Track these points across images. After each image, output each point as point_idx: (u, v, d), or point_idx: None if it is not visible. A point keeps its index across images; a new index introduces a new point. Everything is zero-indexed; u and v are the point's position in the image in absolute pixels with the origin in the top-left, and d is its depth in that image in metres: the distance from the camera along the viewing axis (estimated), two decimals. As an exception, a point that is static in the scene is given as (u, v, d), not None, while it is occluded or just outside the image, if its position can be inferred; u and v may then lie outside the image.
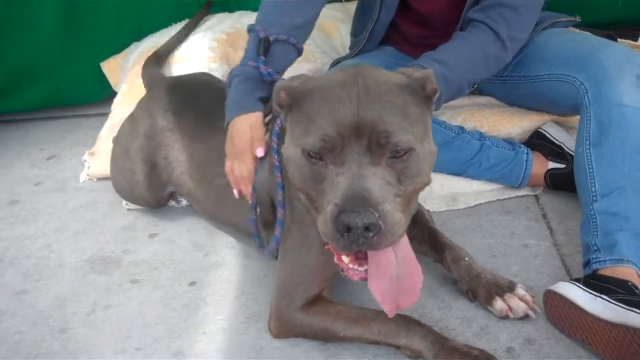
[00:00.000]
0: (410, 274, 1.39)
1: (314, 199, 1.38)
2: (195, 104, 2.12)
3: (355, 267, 1.39)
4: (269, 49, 1.90)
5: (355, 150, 1.32)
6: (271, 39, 1.90)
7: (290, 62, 2.01)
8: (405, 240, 1.40)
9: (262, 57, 1.86)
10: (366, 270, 1.38)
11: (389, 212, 1.28)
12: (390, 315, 1.38)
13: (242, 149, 1.79)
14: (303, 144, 1.37)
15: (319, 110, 1.38)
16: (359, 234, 1.25)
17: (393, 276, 1.37)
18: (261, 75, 1.85)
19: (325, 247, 1.44)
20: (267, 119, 1.82)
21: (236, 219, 1.97)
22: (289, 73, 1.86)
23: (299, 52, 2.01)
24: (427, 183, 1.45)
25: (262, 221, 1.83)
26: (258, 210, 1.81)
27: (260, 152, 1.77)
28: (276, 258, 1.78)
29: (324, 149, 1.33)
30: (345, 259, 1.40)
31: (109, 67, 3.09)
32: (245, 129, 1.80)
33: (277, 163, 1.68)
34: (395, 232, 1.30)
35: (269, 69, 1.85)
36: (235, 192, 1.85)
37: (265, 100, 1.85)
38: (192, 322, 1.79)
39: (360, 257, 1.39)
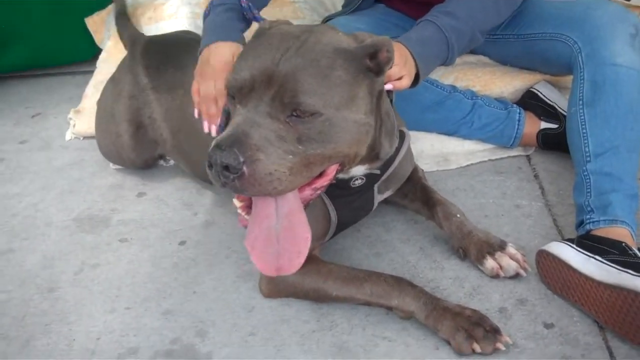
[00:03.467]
0: (292, 234, 1.38)
1: None
2: (176, 60, 2.07)
3: (244, 213, 1.41)
4: None
5: (258, 98, 1.32)
6: None
7: (265, 4, 2.00)
8: (292, 197, 1.37)
9: None
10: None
11: (260, 161, 1.26)
12: (267, 273, 1.40)
13: (219, 69, 1.71)
14: (227, 80, 1.39)
15: (250, 52, 1.39)
16: (218, 171, 1.26)
17: (270, 230, 1.37)
18: (242, 7, 1.80)
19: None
20: None
21: None
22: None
23: None
24: (347, 153, 1.40)
25: None
26: None
27: None
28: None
29: (234, 88, 1.35)
30: (236, 202, 1.42)
31: (94, 23, 3.02)
32: (226, 52, 1.73)
33: None
34: (266, 183, 1.27)
35: (249, 3, 1.80)
36: (195, 112, 1.78)
37: None
38: (182, 282, 1.77)
39: (249, 205, 1.40)
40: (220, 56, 1.72)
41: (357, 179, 1.61)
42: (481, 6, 1.89)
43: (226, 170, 1.25)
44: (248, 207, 1.40)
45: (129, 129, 2.10)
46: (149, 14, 2.75)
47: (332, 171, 1.42)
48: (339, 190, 1.60)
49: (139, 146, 2.13)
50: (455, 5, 1.85)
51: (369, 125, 1.43)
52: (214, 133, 1.73)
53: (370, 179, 1.64)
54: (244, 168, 1.25)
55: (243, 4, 1.79)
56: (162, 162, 2.24)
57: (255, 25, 1.77)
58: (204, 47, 1.77)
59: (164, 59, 2.10)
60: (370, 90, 1.43)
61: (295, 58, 1.32)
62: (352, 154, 1.42)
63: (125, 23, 2.59)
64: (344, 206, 1.66)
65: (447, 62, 1.84)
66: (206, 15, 1.85)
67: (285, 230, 1.37)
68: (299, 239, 1.38)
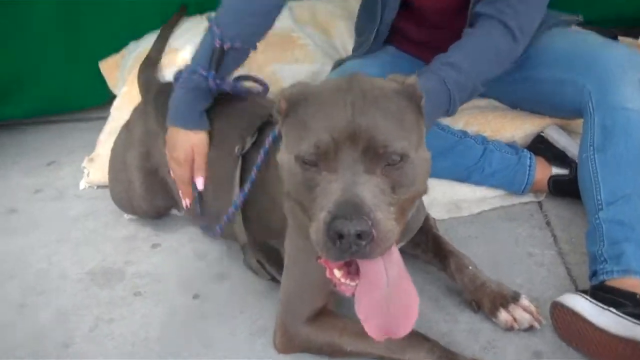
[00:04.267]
0: (403, 296, 1.36)
1: (307, 207, 1.35)
2: None
3: (348, 281, 1.36)
4: (222, 59, 1.90)
5: (349, 157, 1.30)
6: (226, 47, 1.88)
7: (239, 65, 2.02)
8: (397, 257, 1.37)
9: (212, 71, 1.87)
10: (357, 285, 1.35)
11: (381, 221, 1.25)
12: (377, 338, 1.35)
13: (181, 161, 1.91)
14: (297, 151, 1.35)
15: (313, 116, 1.36)
16: (351, 241, 1.22)
17: (382, 296, 1.33)
18: (209, 88, 1.89)
19: (318, 260, 1.41)
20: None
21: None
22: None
23: (251, 51, 2.01)
24: (423, 192, 1.43)
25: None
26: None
27: (200, 184, 1.91)
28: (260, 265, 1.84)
29: (317, 155, 1.31)
30: (337, 272, 1.37)
31: (107, 67, 3.05)
32: (186, 147, 1.90)
33: (259, 162, 1.74)
34: (388, 241, 1.27)
35: (218, 80, 1.88)
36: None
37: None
38: (196, 336, 1.78)
39: (352, 272, 1.37)
40: (181, 150, 1.91)
41: None
42: (483, 58, 1.91)
43: (359, 239, 1.23)
44: (350, 274, 1.37)
45: (140, 175, 2.12)
46: (162, 60, 2.78)
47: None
48: None
49: (151, 194, 2.14)
50: (458, 57, 1.87)
51: (430, 164, 1.45)
52: (184, 205, 1.98)
53: None
54: (373, 231, 1.24)
55: (211, 85, 1.89)
56: (175, 211, 2.25)
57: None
58: (168, 123, 1.93)
59: None
60: (423, 126, 1.46)
61: (368, 109, 1.33)
62: (423, 191, 1.44)
63: (149, 68, 2.60)
64: None
65: (448, 113, 1.86)
66: (176, 79, 1.97)
67: (397, 294, 1.35)
68: (411, 301, 1.37)
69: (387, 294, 1.33)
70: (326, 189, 1.29)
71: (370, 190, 1.28)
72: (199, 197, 1.94)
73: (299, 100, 1.42)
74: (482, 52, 1.92)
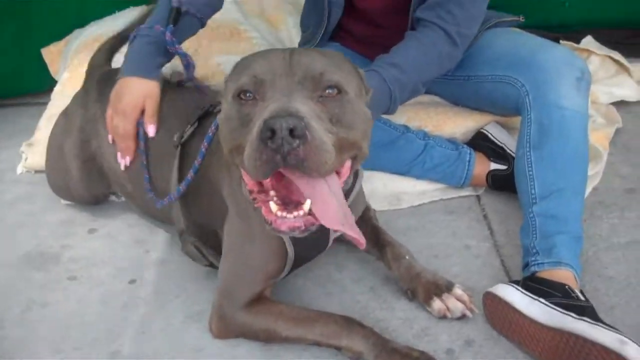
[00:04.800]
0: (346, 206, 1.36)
1: (243, 144, 1.32)
2: None
3: (284, 214, 1.32)
4: (179, 20, 1.92)
5: (285, 86, 1.32)
6: (182, 9, 1.91)
7: (192, 34, 2.04)
8: (337, 178, 1.37)
9: (171, 25, 1.88)
10: (295, 217, 1.31)
11: (316, 129, 1.25)
12: (359, 239, 1.35)
13: (129, 111, 1.87)
14: (233, 88, 1.38)
15: (250, 61, 1.42)
16: (283, 137, 1.19)
17: (333, 202, 1.31)
18: (166, 42, 1.87)
19: (255, 205, 1.39)
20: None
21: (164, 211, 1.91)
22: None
23: (202, 26, 2.05)
24: (361, 145, 1.42)
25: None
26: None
27: (151, 131, 1.88)
28: (198, 250, 1.81)
29: (254, 84, 1.34)
30: (273, 207, 1.33)
31: (50, 54, 3.01)
32: (138, 94, 1.87)
33: (203, 149, 1.72)
34: (323, 152, 1.25)
35: (174, 38, 1.88)
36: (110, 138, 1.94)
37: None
38: (132, 322, 1.76)
39: (289, 207, 1.33)
40: (131, 96, 1.86)
41: None
42: (425, 59, 1.94)
43: (291, 136, 1.20)
44: (287, 207, 1.33)
45: (77, 163, 2.08)
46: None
47: (346, 170, 1.43)
48: None
49: (88, 181, 2.11)
50: (401, 57, 1.91)
51: (371, 124, 1.47)
52: (122, 167, 1.93)
53: None
54: (307, 133, 1.22)
55: (167, 39, 1.86)
56: (113, 197, 2.22)
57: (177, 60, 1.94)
58: (121, 75, 1.89)
59: None
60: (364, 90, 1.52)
61: (307, 52, 1.40)
62: (363, 149, 1.44)
63: (102, 53, 2.52)
64: (300, 242, 1.65)
65: (388, 111, 1.90)
66: (131, 41, 1.94)
67: (344, 205, 1.35)
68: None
69: (336, 202, 1.32)
70: (262, 111, 1.30)
71: (306, 106, 1.29)
72: (145, 155, 1.91)
73: (234, 67, 1.49)
74: (423, 54, 1.96)
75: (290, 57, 1.37)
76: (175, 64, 2.00)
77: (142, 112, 1.89)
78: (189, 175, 1.74)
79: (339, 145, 1.32)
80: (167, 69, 2.01)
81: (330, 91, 1.35)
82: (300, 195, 1.32)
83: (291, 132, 1.20)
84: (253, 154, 1.24)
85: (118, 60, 2.52)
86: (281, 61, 1.36)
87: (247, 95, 1.36)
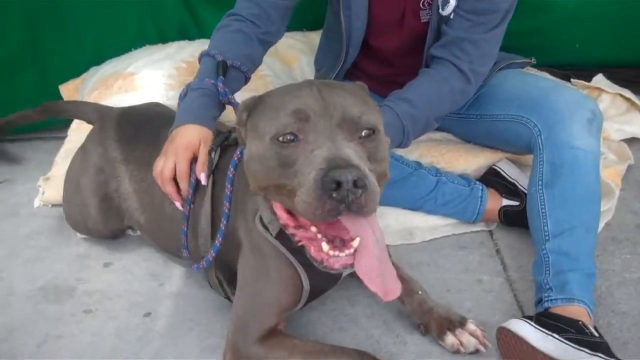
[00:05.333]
0: (387, 258, 1.40)
1: (285, 184, 1.36)
2: (146, 134, 2.07)
3: (336, 253, 1.35)
4: (226, 73, 1.92)
5: (327, 129, 1.35)
6: (228, 63, 1.93)
7: (239, 89, 2.04)
8: (376, 220, 1.40)
9: (221, 77, 1.88)
10: (347, 255, 1.35)
11: (370, 177, 1.29)
12: (385, 298, 1.35)
13: (181, 150, 1.76)
14: (271, 130, 1.38)
15: (282, 100, 1.42)
16: (349, 189, 1.23)
17: (377, 258, 1.35)
18: (218, 93, 1.86)
19: (298, 243, 1.42)
20: (209, 147, 1.81)
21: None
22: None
23: (247, 80, 2.06)
24: (386, 176, 1.47)
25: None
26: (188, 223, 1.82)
27: (204, 179, 1.76)
28: (218, 283, 1.80)
29: (296, 125, 1.35)
30: (325, 246, 1.36)
31: (67, 91, 3.05)
32: (194, 136, 1.78)
33: (228, 193, 1.69)
34: (376, 196, 1.30)
35: (226, 88, 1.87)
36: (165, 189, 1.81)
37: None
38: (146, 355, 1.77)
39: (338, 245, 1.37)
40: (186, 137, 1.78)
41: None
42: (438, 95, 1.98)
43: (355, 187, 1.24)
44: (337, 247, 1.37)
45: (95, 201, 2.10)
46: (120, 84, 2.79)
47: None
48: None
49: (106, 218, 2.12)
50: (413, 93, 1.95)
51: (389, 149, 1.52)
52: (179, 207, 1.81)
53: None
54: (367, 183, 1.26)
55: (220, 90, 1.85)
56: (129, 231, 2.24)
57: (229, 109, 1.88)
58: (174, 127, 1.83)
59: (136, 133, 2.10)
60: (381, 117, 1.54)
61: (333, 91, 1.41)
62: (387, 174, 1.48)
63: (76, 104, 2.57)
64: (315, 274, 1.65)
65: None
66: (182, 97, 1.91)
67: (385, 256, 1.38)
68: (392, 268, 1.40)
69: (379, 256, 1.35)
70: (309, 157, 1.32)
71: (351, 150, 1.33)
72: (186, 220, 1.82)
73: (261, 99, 1.50)
74: (435, 90, 2.00)
75: (319, 93, 1.40)
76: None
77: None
78: (222, 225, 1.70)
79: (377, 180, 1.36)
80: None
81: (366, 132, 1.39)
82: (345, 232, 1.36)
83: (354, 183, 1.24)
84: (314, 202, 1.27)
85: (116, 102, 2.58)
86: (315, 101, 1.38)
87: (288, 137, 1.37)
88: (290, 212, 1.43)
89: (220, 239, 1.69)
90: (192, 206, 1.80)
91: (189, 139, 1.78)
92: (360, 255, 1.35)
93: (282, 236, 1.59)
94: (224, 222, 1.69)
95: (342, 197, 1.25)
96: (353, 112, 1.38)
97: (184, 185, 1.78)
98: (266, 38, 2.10)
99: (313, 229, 1.39)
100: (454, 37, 2.01)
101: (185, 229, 1.81)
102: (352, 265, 1.35)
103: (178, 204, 1.81)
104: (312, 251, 1.40)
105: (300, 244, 1.43)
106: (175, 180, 1.79)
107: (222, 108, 1.92)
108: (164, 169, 1.77)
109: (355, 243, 1.34)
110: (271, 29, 2.09)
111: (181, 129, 1.81)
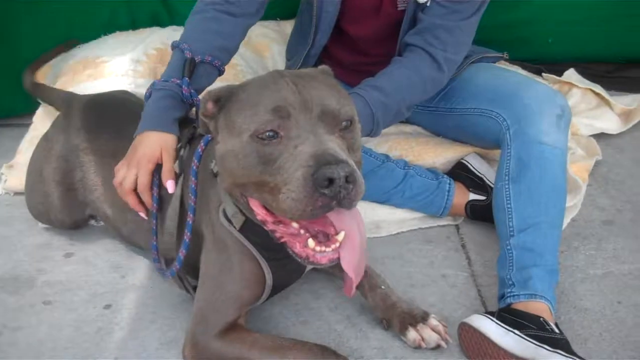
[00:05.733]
0: (365, 250, 1.41)
1: (267, 181, 1.35)
2: (111, 122, 2.04)
3: (322, 248, 1.36)
4: (194, 70, 1.89)
5: (307, 123, 1.34)
6: (197, 59, 1.90)
7: (210, 83, 2.00)
8: (358, 212, 1.41)
9: (186, 78, 1.85)
10: (333, 250, 1.35)
11: (356, 167, 1.29)
12: (350, 294, 1.40)
13: (144, 163, 1.74)
14: (250, 127, 1.36)
15: (259, 95, 1.40)
16: (341, 185, 1.24)
17: (359, 249, 1.37)
18: (182, 95, 1.84)
19: (280, 240, 1.41)
20: (179, 145, 1.80)
21: (150, 242, 1.89)
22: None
23: (221, 73, 2.02)
24: (361, 163, 1.49)
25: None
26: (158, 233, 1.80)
27: (170, 187, 1.73)
28: (179, 278, 1.78)
29: (277, 122, 1.34)
30: (311, 243, 1.36)
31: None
32: (155, 146, 1.76)
33: (193, 185, 1.67)
34: (362, 188, 1.31)
35: (192, 89, 1.85)
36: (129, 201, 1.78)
37: (182, 122, 1.86)
38: (105, 347, 1.74)
39: (322, 240, 1.37)
40: (148, 147, 1.76)
41: None
42: (409, 83, 1.96)
43: (347, 182, 1.25)
44: (322, 242, 1.37)
45: (58, 190, 2.07)
46: (90, 71, 2.74)
47: None
48: (274, 253, 1.61)
49: (68, 208, 2.10)
50: (384, 81, 1.93)
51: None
52: (143, 217, 1.80)
53: None
54: (357, 177, 1.27)
55: (185, 92, 1.83)
56: (92, 222, 2.21)
57: None
58: (138, 132, 1.81)
59: (101, 123, 2.07)
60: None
61: (308, 84, 1.40)
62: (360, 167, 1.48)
63: (48, 88, 2.57)
64: (278, 269, 1.66)
65: (371, 134, 1.92)
66: (147, 97, 1.88)
67: (365, 245, 1.40)
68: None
69: (361, 249, 1.37)
70: (293, 153, 1.31)
71: (334, 143, 1.33)
72: (155, 218, 1.80)
73: (233, 92, 1.47)
74: (408, 79, 1.98)
75: (295, 87, 1.39)
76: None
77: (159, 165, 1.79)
78: (189, 219, 1.68)
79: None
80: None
81: (345, 123, 1.40)
82: (329, 227, 1.36)
83: (346, 178, 1.24)
84: (304, 199, 1.27)
85: (84, 89, 2.54)
86: (293, 95, 1.37)
87: (269, 134, 1.35)
88: (267, 208, 1.42)
89: (188, 234, 1.68)
90: (157, 219, 1.80)
91: (152, 150, 1.75)
92: (344, 248, 1.35)
93: (246, 230, 1.58)
94: (191, 215, 1.68)
95: (334, 193, 1.25)
96: (332, 105, 1.38)
97: (146, 198, 1.76)
98: (244, 21, 2.06)
99: (295, 224, 1.39)
100: (429, 24, 2.00)
101: (155, 227, 1.79)
102: (337, 259, 1.35)
103: (142, 214, 1.79)
104: (297, 248, 1.39)
105: (282, 240, 1.42)
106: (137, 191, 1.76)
107: (186, 108, 1.89)
108: (125, 181, 1.75)
109: (340, 237, 1.35)
110: (250, 9, 2.05)
111: (143, 136, 1.78)
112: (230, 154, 1.42)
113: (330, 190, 1.25)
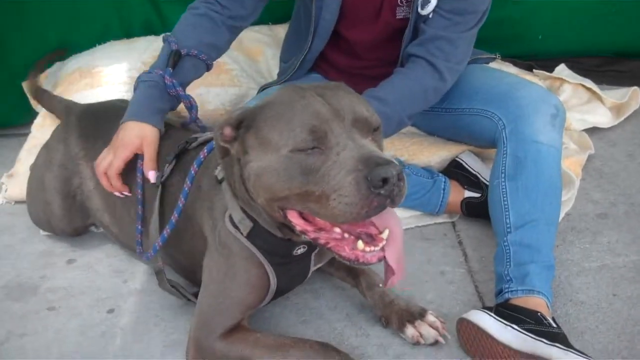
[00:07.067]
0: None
1: (312, 190, 1.36)
2: (107, 131, 2.03)
3: (371, 248, 1.39)
4: (179, 62, 1.96)
5: (343, 131, 1.37)
6: (182, 52, 1.96)
7: (198, 76, 2.08)
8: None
9: (169, 68, 1.92)
10: (382, 248, 1.39)
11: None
12: (391, 285, 1.43)
13: (120, 149, 1.85)
14: (288, 143, 1.38)
15: (290, 110, 1.42)
16: (394, 183, 1.28)
17: (401, 246, 1.41)
18: (165, 85, 1.91)
19: (327, 247, 1.43)
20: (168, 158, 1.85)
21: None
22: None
23: (208, 68, 2.09)
24: None
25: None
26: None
27: (152, 177, 1.83)
28: (174, 287, 1.81)
29: (316, 137, 1.36)
30: (360, 244, 1.39)
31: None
32: (132, 134, 1.85)
33: (187, 189, 1.71)
34: (405, 188, 1.34)
35: (174, 80, 1.91)
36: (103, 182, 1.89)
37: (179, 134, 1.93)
38: (110, 351, 1.77)
39: (367, 240, 1.40)
40: (126, 136, 1.85)
41: (299, 248, 1.65)
42: (411, 93, 1.99)
43: (399, 180, 1.29)
44: (370, 242, 1.40)
45: (58, 198, 2.10)
46: (87, 80, 2.76)
47: None
48: (280, 258, 1.64)
49: (69, 215, 2.13)
50: (386, 92, 1.96)
51: None
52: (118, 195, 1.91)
53: (310, 248, 1.68)
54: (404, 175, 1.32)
55: (167, 82, 1.89)
56: (93, 228, 2.23)
57: None
58: (122, 121, 1.89)
59: (97, 130, 2.09)
60: None
61: (334, 94, 1.44)
62: None
63: (51, 96, 2.59)
64: (283, 274, 1.68)
65: None
66: (135, 87, 1.95)
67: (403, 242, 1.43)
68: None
69: (402, 241, 1.42)
70: (337, 160, 1.34)
71: (373, 146, 1.38)
72: (142, 205, 1.88)
73: (256, 112, 1.48)
74: (410, 89, 2.01)
75: (322, 98, 1.42)
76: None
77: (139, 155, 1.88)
78: (173, 218, 1.72)
79: None
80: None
81: (375, 127, 1.45)
82: (372, 227, 1.40)
83: (398, 177, 1.29)
84: (360, 202, 1.29)
85: (82, 97, 2.57)
86: (322, 106, 1.40)
87: (309, 147, 1.37)
88: (304, 218, 1.45)
89: (168, 229, 1.72)
90: (144, 206, 1.87)
91: (129, 138, 1.84)
92: (389, 245, 1.39)
93: (253, 235, 1.61)
94: (176, 215, 1.71)
95: (389, 192, 1.29)
96: (363, 112, 1.42)
97: (114, 182, 1.88)
98: (235, 23, 2.11)
99: (337, 230, 1.42)
100: (432, 35, 2.02)
101: (140, 227, 1.86)
102: (384, 257, 1.39)
103: (117, 193, 1.91)
104: (345, 251, 1.41)
105: (328, 247, 1.44)
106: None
107: (172, 100, 1.95)
108: (101, 162, 1.88)
109: (385, 234, 1.39)
110: (241, 12, 2.10)
111: (125, 125, 1.88)
112: (268, 169, 1.42)
113: (385, 189, 1.28)
